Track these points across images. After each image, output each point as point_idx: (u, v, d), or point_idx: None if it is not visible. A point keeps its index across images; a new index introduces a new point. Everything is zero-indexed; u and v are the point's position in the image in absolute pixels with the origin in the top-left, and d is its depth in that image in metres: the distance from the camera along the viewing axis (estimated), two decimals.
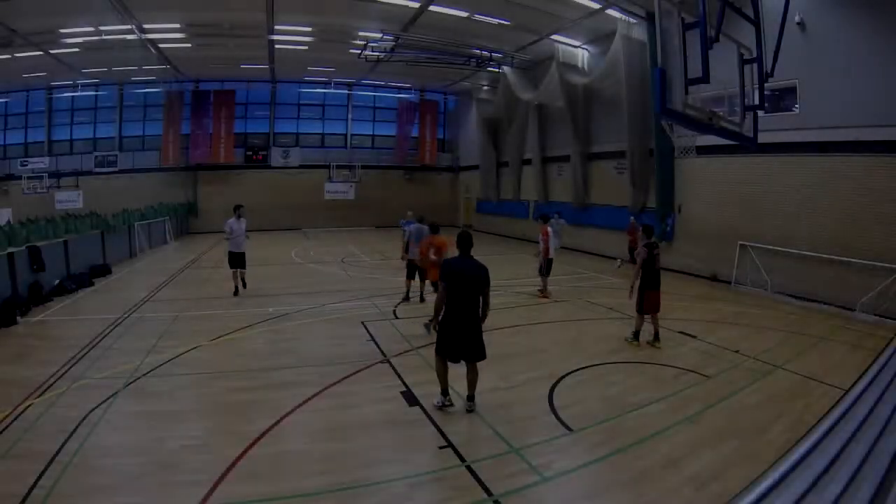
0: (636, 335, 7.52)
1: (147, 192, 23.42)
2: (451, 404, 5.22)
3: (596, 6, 14.30)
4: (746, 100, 5.82)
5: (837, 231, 10.43)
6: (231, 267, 11.02)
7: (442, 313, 5.05)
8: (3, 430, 4.71)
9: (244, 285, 11.17)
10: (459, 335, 4.95)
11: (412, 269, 9.96)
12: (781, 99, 11.32)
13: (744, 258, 12.23)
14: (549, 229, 10.85)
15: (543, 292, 10.86)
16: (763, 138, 6.85)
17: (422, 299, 10.09)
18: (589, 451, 4.46)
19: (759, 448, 4.50)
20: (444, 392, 5.23)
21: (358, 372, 6.34)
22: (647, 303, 7.38)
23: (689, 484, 3.95)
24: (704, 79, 4.71)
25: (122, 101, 25.71)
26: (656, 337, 7.55)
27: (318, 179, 27.81)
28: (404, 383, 5.97)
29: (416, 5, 15.11)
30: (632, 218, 14.85)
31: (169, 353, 7.03)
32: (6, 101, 24.86)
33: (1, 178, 24.82)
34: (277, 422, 4.94)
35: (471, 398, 5.23)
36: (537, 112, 20.89)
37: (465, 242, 5.15)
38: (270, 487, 3.86)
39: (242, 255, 10.99)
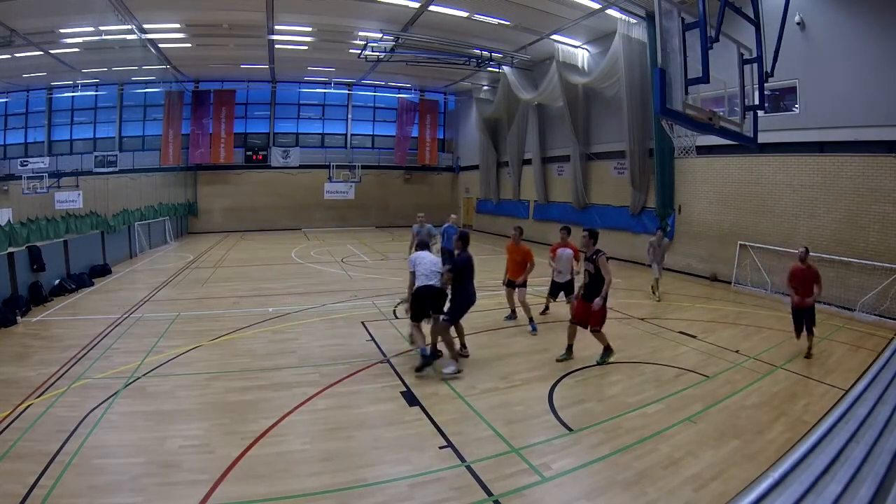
0: (570, 350, 6.87)
1: (147, 192, 23.44)
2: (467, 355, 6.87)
3: (596, 6, 14.29)
4: (746, 100, 5.81)
5: (837, 231, 10.44)
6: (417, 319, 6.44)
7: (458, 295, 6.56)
8: (3, 430, 4.72)
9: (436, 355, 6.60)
10: (468, 302, 6.57)
11: None
12: (781, 99, 11.33)
13: (744, 258, 12.24)
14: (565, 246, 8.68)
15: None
16: (763, 138, 6.85)
17: None
18: (589, 451, 4.46)
19: (759, 448, 4.50)
20: (457, 356, 6.51)
21: (358, 372, 6.34)
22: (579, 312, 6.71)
23: (689, 484, 3.95)
24: (704, 79, 4.71)
25: (122, 101, 25.71)
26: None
27: (318, 179, 27.81)
28: (404, 383, 5.97)
29: (416, 5, 15.11)
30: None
31: (169, 353, 7.04)
32: (6, 101, 24.85)
33: (1, 178, 24.82)
34: (277, 422, 4.95)
35: (464, 346, 7.00)
36: (537, 112, 20.90)
37: (467, 240, 6.76)
38: (270, 487, 3.86)
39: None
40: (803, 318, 7.18)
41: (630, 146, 15.32)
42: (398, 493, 3.83)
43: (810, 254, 7.33)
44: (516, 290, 8.46)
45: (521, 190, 23.31)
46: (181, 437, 4.64)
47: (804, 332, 7.17)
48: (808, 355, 7.12)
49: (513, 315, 8.96)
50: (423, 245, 6.88)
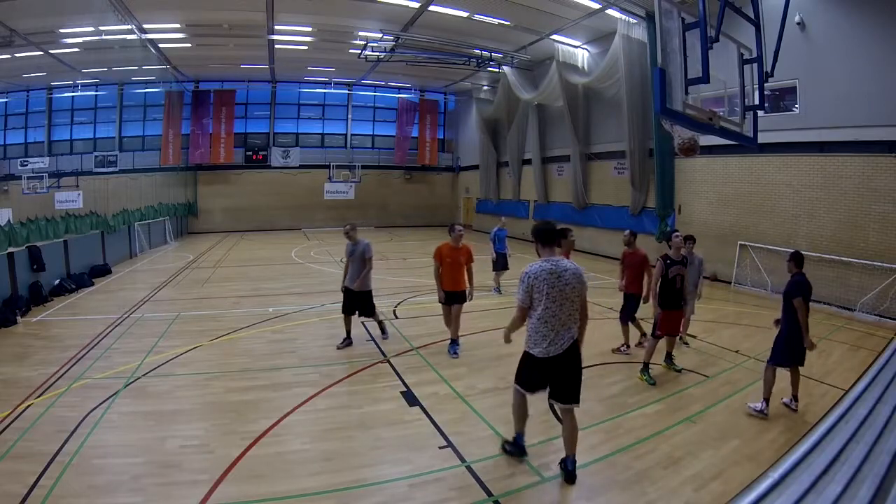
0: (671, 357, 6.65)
1: (147, 192, 23.44)
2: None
3: (596, 6, 14.30)
4: (746, 100, 5.81)
5: (837, 231, 10.44)
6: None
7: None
8: (3, 430, 4.71)
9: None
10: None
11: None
12: (781, 99, 11.33)
13: (744, 258, 12.24)
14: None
15: None
16: (763, 138, 6.84)
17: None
18: (589, 451, 4.45)
19: (759, 448, 4.50)
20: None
21: (358, 372, 6.34)
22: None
23: (689, 484, 3.95)
24: (704, 79, 4.71)
25: (122, 101, 25.72)
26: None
27: (318, 179, 27.82)
28: (404, 383, 5.97)
29: (416, 5, 15.12)
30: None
31: (169, 353, 7.04)
32: (6, 101, 24.87)
33: (1, 178, 24.82)
34: (277, 422, 4.95)
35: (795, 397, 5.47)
36: (537, 112, 20.91)
37: (802, 260, 5.43)
38: (270, 487, 3.86)
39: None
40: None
41: (630, 146, 15.33)
42: (398, 493, 3.83)
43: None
44: (453, 306, 6.83)
45: (521, 190, 23.32)
46: (181, 437, 4.64)
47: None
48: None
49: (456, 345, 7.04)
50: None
